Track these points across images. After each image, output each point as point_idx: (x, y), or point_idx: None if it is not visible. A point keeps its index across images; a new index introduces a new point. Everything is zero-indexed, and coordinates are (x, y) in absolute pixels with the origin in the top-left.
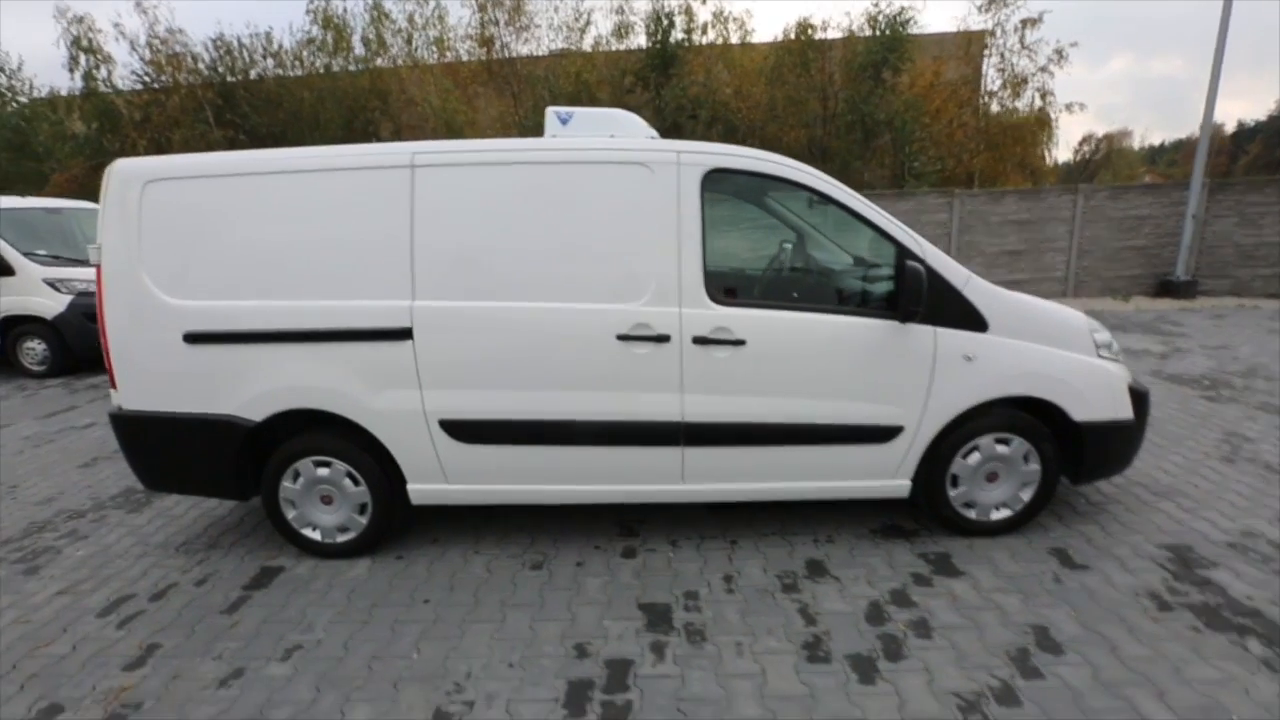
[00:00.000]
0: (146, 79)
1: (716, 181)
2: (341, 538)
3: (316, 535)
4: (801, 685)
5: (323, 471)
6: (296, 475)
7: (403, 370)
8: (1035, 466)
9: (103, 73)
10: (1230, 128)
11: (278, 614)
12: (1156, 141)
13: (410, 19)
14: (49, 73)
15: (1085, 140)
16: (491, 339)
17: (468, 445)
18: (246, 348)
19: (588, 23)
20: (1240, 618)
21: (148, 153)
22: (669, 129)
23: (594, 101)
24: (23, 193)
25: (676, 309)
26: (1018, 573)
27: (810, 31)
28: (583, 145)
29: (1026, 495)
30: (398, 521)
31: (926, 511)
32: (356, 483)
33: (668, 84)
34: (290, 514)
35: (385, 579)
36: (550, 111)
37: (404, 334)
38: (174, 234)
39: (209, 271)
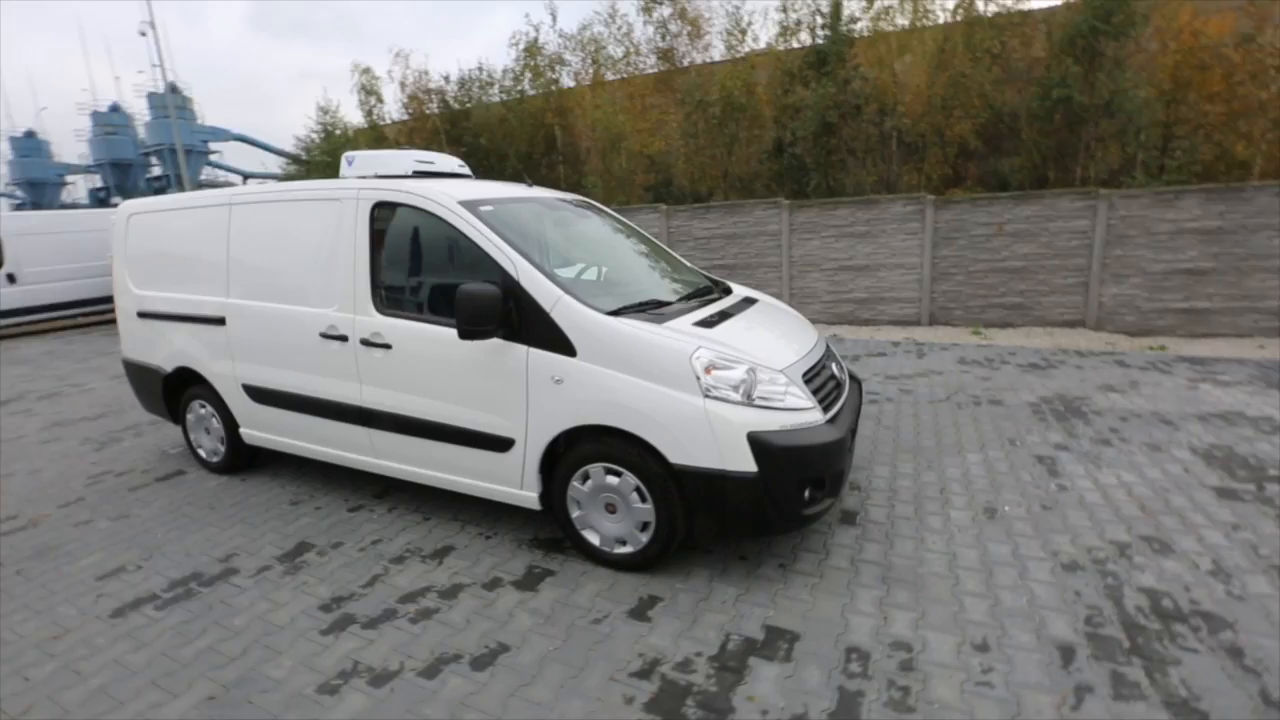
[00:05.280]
0: (407, 112)
1: (384, 212)
2: (214, 459)
3: (204, 454)
4: (285, 618)
5: (202, 411)
6: (192, 411)
7: (223, 346)
8: (648, 506)
9: (378, 109)
10: None
11: (146, 498)
12: None
13: (595, 40)
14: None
15: None
16: (259, 328)
17: (258, 405)
18: (160, 323)
19: (748, 24)
20: (698, 710)
21: None
22: (821, 130)
23: (736, 106)
24: None
25: (352, 315)
26: (579, 604)
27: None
28: (310, 186)
29: (645, 536)
30: (244, 454)
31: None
32: (218, 422)
33: (819, 82)
34: (192, 437)
35: (217, 491)
36: (344, 156)
37: (222, 321)
38: (138, 247)
39: (149, 273)
